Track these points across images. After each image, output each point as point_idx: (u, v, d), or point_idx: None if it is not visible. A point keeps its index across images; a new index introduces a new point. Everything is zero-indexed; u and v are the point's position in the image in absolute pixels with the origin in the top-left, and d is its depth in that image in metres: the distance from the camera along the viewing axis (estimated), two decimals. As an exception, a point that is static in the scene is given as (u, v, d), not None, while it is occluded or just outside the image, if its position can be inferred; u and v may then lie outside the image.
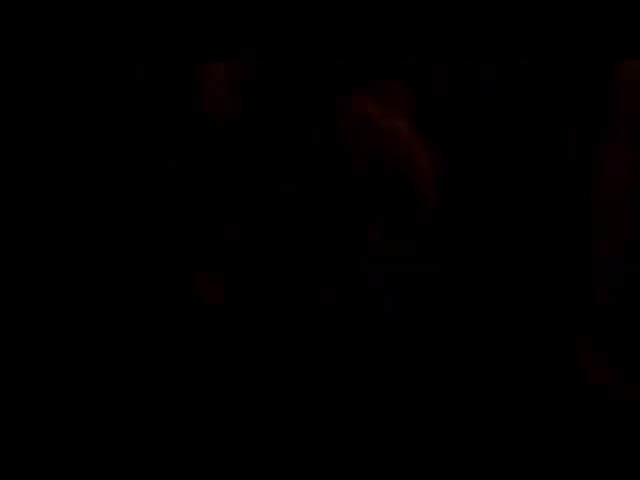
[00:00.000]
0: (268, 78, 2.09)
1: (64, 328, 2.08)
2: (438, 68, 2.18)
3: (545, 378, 2.23)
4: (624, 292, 2.17)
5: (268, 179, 2.06)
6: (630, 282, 2.18)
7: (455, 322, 2.24)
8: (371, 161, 2.03)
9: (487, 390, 2.26)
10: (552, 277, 2.26)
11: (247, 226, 2.05)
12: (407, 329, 2.05)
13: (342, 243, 2.04)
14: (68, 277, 2.10)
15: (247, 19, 2.03)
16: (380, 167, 2.03)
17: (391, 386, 2.03)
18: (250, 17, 2.03)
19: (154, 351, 2.10)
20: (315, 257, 2.04)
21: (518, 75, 2.19)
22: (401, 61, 2.13)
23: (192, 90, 2.13)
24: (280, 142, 2.06)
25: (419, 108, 2.14)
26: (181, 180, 2.14)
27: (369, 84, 2.10)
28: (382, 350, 2.05)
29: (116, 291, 2.12)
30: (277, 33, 2.03)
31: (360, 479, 2.01)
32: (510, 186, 2.25)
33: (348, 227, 2.02)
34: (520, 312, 2.26)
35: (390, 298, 2.03)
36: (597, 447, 2.13)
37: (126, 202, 2.12)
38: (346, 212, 2.02)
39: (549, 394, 2.21)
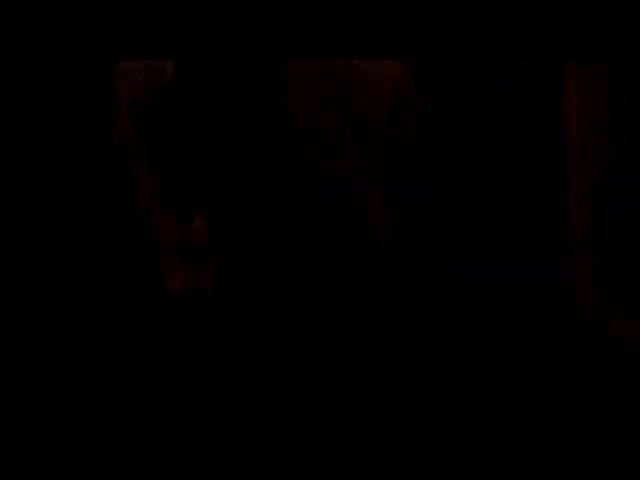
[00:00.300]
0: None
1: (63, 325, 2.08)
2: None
3: (545, 315, 2.21)
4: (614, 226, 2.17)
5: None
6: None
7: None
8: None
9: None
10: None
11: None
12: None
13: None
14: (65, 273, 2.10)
15: (245, 18, 2.03)
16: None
17: None
18: (248, 17, 2.03)
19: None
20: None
21: (515, 75, 2.20)
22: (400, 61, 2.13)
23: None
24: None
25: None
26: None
27: None
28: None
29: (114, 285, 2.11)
30: (276, 34, 2.03)
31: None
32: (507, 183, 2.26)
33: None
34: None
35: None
36: (598, 386, 2.13)
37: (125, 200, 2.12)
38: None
39: (549, 331, 2.20)
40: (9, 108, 2.05)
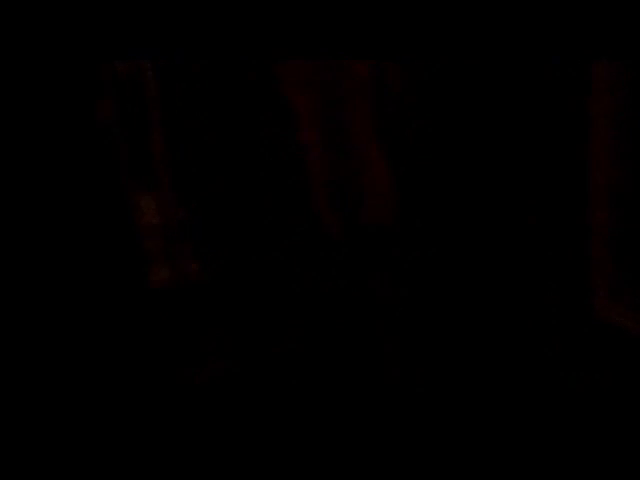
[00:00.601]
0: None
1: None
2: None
3: (561, 318, 2.21)
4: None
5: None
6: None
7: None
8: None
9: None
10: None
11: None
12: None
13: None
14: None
15: (242, 18, 2.04)
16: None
17: None
18: (245, 17, 2.04)
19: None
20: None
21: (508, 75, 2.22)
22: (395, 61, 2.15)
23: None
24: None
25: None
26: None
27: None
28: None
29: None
30: (272, 34, 2.05)
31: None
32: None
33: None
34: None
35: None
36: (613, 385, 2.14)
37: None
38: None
39: (566, 334, 2.20)
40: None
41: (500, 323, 2.18)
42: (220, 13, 2.03)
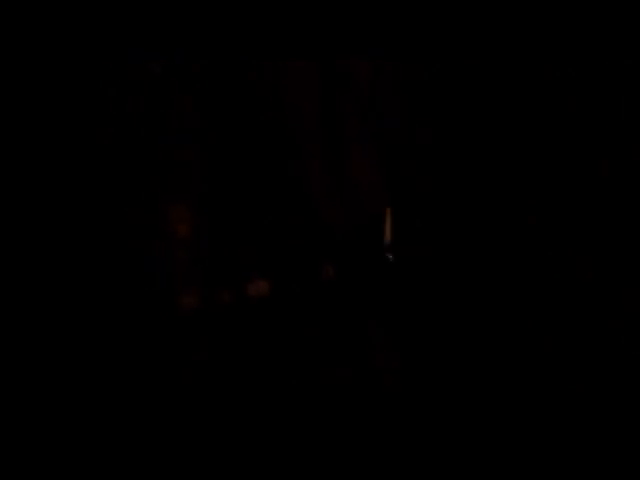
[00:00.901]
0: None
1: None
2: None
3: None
4: None
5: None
6: None
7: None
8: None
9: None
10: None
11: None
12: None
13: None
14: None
15: (239, 19, 2.05)
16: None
17: None
18: (241, 17, 2.05)
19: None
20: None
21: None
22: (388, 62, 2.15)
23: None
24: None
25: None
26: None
27: None
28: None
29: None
30: (271, 33, 2.05)
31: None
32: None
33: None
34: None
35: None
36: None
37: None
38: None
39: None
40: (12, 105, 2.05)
41: (498, 326, 2.17)
42: (220, 13, 2.03)
